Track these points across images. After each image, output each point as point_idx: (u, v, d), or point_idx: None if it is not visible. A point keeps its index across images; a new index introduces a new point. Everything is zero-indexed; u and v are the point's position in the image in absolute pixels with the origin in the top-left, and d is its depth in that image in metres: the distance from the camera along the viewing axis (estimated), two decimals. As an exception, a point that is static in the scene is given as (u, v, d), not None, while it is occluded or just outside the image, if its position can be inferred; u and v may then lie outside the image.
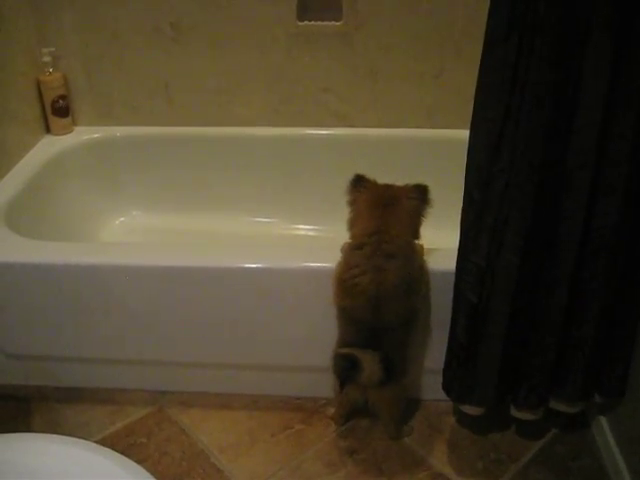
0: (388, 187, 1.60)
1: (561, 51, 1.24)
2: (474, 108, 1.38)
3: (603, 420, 1.69)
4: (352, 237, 1.57)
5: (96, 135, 2.27)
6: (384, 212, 1.55)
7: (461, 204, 2.32)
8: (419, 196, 1.59)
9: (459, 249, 1.49)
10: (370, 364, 1.48)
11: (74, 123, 2.28)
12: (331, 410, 1.81)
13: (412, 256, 1.56)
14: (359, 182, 1.62)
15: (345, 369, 1.50)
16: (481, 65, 1.33)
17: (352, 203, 1.61)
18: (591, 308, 1.44)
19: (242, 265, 1.67)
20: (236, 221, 2.36)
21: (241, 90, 2.22)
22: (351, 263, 1.53)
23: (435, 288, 1.64)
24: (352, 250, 1.55)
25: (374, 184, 1.62)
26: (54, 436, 1.21)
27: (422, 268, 1.60)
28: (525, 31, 1.24)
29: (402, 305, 1.52)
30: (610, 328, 1.48)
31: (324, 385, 1.83)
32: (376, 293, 1.48)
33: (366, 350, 1.49)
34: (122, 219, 2.36)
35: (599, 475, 1.64)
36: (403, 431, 1.75)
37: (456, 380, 1.58)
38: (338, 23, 2.09)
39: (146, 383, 1.90)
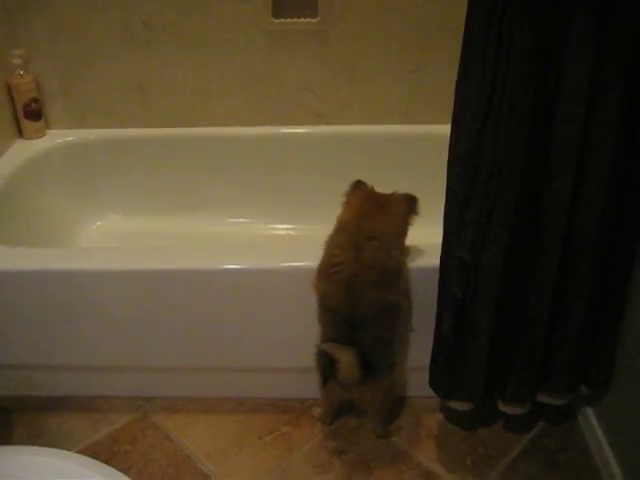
0: (382, 193, 1.62)
1: (542, 41, 1.23)
2: (455, 101, 1.37)
3: (590, 412, 1.70)
4: (337, 222, 1.58)
5: (70, 138, 2.23)
6: (372, 209, 1.57)
7: (441, 200, 2.33)
8: (409, 203, 1.61)
9: (443, 244, 1.48)
10: (347, 361, 1.47)
11: (47, 126, 2.23)
12: (318, 410, 1.79)
13: (392, 246, 1.55)
14: (356, 186, 1.64)
15: (326, 365, 1.51)
16: (461, 57, 1.32)
17: (345, 203, 1.62)
18: (577, 300, 1.44)
19: (223, 267, 1.65)
20: (214, 222, 2.34)
21: (218, 90, 2.19)
22: (333, 243, 1.55)
23: (419, 284, 1.63)
24: (336, 232, 1.57)
25: (370, 189, 1.63)
26: (35, 448, 1.18)
27: (401, 264, 1.58)
28: (505, 21, 1.23)
29: (376, 293, 1.50)
30: (595, 319, 1.49)
31: (310, 386, 1.81)
32: (352, 272, 1.48)
33: (343, 346, 1.48)
34: (99, 223, 2.32)
35: (588, 467, 1.64)
36: (390, 430, 1.74)
37: (443, 377, 1.57)
38: (314, 20, 2.07)
39: (129, 389, 1.87)
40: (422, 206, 2.30)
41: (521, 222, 1.37)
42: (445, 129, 2.17)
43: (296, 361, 1.76)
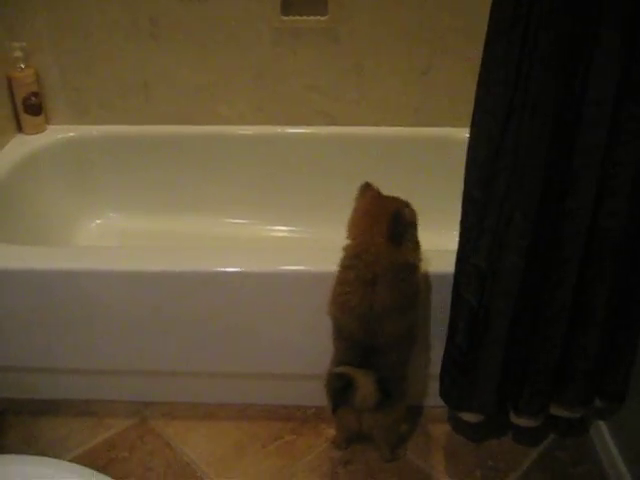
0: (386, 198, 1.53)
1: (568, 41, 1.19)
2: (475, 104, 1.33)
3: (602, 425, 1.65)
4: (344, 249, 1.48)
5: (71, 134, 2.16)
6: (374, 223, 1.46)
7: (450, 203, 2.28)
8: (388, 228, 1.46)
9: (458, 251, 1.44)
10: (365, 384, 1.40)
11: (47, 122, 2.17)
12: (331, 433, 1.72)
13: (403, 272, 1.44)
14: (364, 189, 1.55)
15: (338, 390, 1.42)
16: (483, 59, 1.28)
17: (354, 209, 1.54)
18: (596, 311, 1.40)
19: (226, 269, 1.60)
20: (214, 222, 2.29)
21: (223, 88, 2.13)
22: (342, 279, 1.46)
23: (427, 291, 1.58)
24: (343, 268, 1.47)
25: (375, 193, 1.54)
26: (26, 457, 1.13)
27: (417, 284, 1.50)
28: (530, 23, 1.19)
29: (396, 324, 1.44)
30: (616, 328, 1.44)
31: (313, 393, 1.76)
32: (367, 311, 1.41)
33: (361, 369, 1.41)
34: (98, 221, 2.26)
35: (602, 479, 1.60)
36: (398, 454, 1.67)
37: (455, 387, 1.53)
38: (323, 18, 2.02)
39: (127, 394, 1.81)
40: (430, 210, 2.28)
41: (541, 228, 1.33)
42: (455, 132, 2.18)
43: (299, 368, 1.72)
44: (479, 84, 1.30)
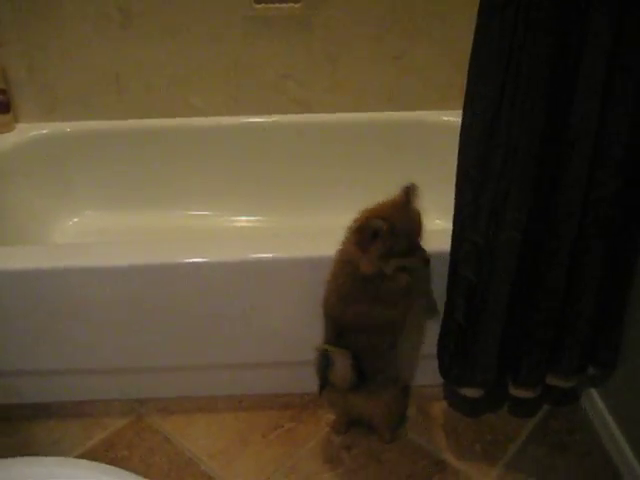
0: (379, 206, 1.50)
1: (559, 20, 1.21)
2: (468, 83, 1.33)
3: (593, 392, 1.71)
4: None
5: (42, 132, 2.10)
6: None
7: (424, 184, 2.31)
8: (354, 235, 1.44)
9: (454, 229, 1.46)
10: (341, 362, 1.45)
11: (16, 120, 2.11)
12: (330, 418, 1.73)
13: (366, 280, 1.42)
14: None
15: (321, 368, 1.48)
16: (475, 38, 1.29)
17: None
18: (589, 281, 1.44)
19: (215, 259, 1.59)
20: (193, 216, 2.28)
21: (197, 79, 2.11)
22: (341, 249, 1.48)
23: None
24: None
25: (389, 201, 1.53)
26: (38, 458, 1.10)
27: (388, 289, 1.45)
28: (521, 4, 1.21)
29: (359, 315, 1.46)
30: (605, 299, 1.49)
31: (310, 380, 1.77)
32: (341, 282, 1.46)
33: (339, 349, 1.46)
34: (75, 220, 2.21)
35: (596, 446, 1.65)
36: (397, 434, 1.68)
37: (455, 363, 1.55)
38: (296, 5, 2.01)
39: (121, 392, 1.78)
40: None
41: (537, 202, 1.36)
42: (430, 115, 2.21)
43: (295, 355, 1.71)
44: (471, 64, 1.31)
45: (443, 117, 2.19)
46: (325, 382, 1.51)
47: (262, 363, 1.76)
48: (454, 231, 1.46)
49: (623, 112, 1.27)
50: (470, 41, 2.04)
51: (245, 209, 2.31)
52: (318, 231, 2.10)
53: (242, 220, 2.31)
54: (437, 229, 1.56)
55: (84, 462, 1.11)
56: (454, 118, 2.16)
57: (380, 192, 2.26)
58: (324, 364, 1.47)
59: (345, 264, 1.44)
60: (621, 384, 1.60)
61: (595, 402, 1.69)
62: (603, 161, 1.32)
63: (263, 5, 2.00)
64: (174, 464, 1.61)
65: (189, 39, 2.04)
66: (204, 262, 1.58)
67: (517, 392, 1.60)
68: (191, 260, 1.58)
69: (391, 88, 2.17)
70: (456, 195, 1.43)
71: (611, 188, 1.34)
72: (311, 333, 1.61)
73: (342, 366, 1.45)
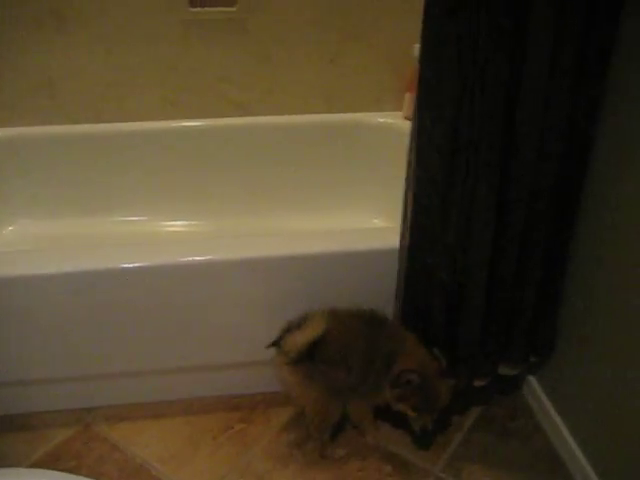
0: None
1: (507, 24, 1.25)
2: (422, 89, 1.35)
3: (532, 379, 1.78)
4: None
5: (-29, 139, 2.05)
6: None
7: (361, 185, 2.36)
8: None
9: (419, 234, 1.48)
10: (311, 329, 1.48)
11: (-59, 127, 2.05)
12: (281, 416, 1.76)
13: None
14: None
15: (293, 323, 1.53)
16: (427, 43, 1.30)
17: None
18: (532, 270, 1.51)
19: (157, 263, 1.58)
20: (130, 222, 2.26)
21: (133, 83, 2.09)
22: None
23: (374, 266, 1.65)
24: None
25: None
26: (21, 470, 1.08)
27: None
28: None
29: None
30: (544, 288, 1.56)
31: (259, 380, 1.79)
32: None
33: (318, 321, 1.49)
34: (10, 228, 2.16)
35: (537, 431, 1.72)
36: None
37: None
38: (232, 9, 2.02)
39: (65, 402, 1.75)
40: (347, 192, 2.35)
41: (498, 198, 1.41)
42: (366, 117, 2.25)
43: (242, 356, 1.73)
44: (423, 67, 1.33)
45: (379, 119, 2.24)
46: (280, 338, 1.53)
47: (210, 366, 1.76)
48: (422, 235, 1.48)
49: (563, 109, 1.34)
50: (403, 44, 2.12)
51: (182, 214, 2.30)
52: (255, 233, 2.11)
53: (178, 225, 2.30)
54: (377, 227, 1.62)
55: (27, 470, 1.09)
56: (390, 120, 2.23)
57: (318, 193, 2.31)
58: (296, 322, 1.51)
59: None
60: (557, 370, 1.68)
61: (534, 388, 1.77)
62: (545, 155, 1.39)
63: (198, 9, 2.01)
64: (124, 472, 1.60)
65: (124, 43, 2.02)
66: (142, 267, 1.57)
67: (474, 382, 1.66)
68: (129, 265, 1.56)
69: (328, 90, 2.21)
70: (419, 199, 1.45)
71: (551, 180, 1.42)
72: (257, 333, 1.64)
73: (307, 333, 1.48)
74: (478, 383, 1.66)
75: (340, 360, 1.50)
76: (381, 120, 2.23)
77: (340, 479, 1.59)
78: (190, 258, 1.59)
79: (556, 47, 1.26)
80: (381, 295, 1.61)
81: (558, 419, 1.67)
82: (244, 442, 1.68)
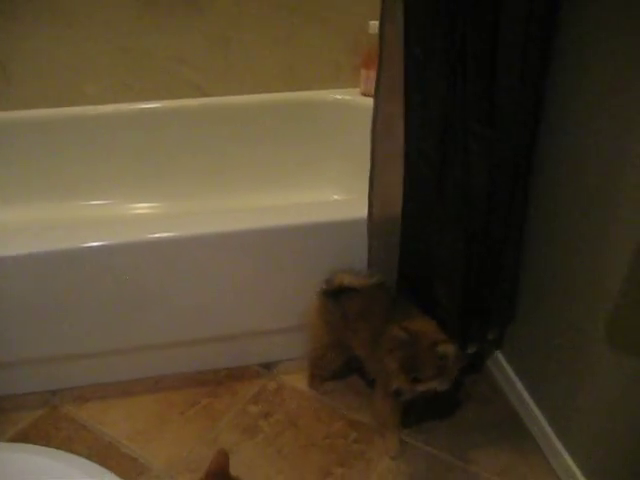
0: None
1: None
2: (410, 66, 1.37)
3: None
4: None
5: None
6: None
7: (321, 161, 2.39)
8: None
9: (412, 206, 1.53)
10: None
11: None
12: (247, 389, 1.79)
13: None
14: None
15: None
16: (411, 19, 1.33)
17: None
18: (493, 244, 1.56)
19: (120, 241, 1.59)
20: (85, 205, 2.26)
21: (89, 66, 2.09)
22: None
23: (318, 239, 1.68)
24: None
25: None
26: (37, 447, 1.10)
27: None
28: None
29: None
30: (502, 259, 1.61)
31: (224, 355, 1.82)
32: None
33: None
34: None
35: (497, 393, 1.78)
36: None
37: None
38: (185, -11, 2.03)
39: (31, 385, 1.76)
40: (306, 168, 2.38)
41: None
42: (323, 94, 2.28)
43: (207, 331, 1.75)
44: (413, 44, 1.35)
45: (336, 96, 2.26)
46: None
47: (175, 342, 1.77)
48: (415, 209, 1.52)
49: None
50: (359, 21, 2.14)
51: (147, 196, 2.31)
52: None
53: (144, 207, 2.30)
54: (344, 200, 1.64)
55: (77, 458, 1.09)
56: (347, 96, 2.25)
57: (277, 171, 2.34)
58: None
59: None
60: (515, 336, 1.74)
61: (494, 354, 1.82)
62: (521, 122, 1.43)
63: (152, -11, 2.01)
64: (94, 450, 1.61)
65: (77, 26, 2.01)
66: (105, 245, 1.58)
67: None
68: (92, 244, 1.57)
69: (285, 69, 2.23)
70: (410, 174, 1.48)
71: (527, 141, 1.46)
72: (223, 308, 1.66)
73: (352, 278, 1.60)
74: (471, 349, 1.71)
75: (353, 320, 1.60)
76: (338, 97, 2.25)
77: (306, 446, 1.62)
78: (153, 235, 1.60)
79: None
80: (352, 265, 1.65)
81: (517, 382, 1.72)
82: (211, 416, 1.71)
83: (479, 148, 1.41)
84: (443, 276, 1.58)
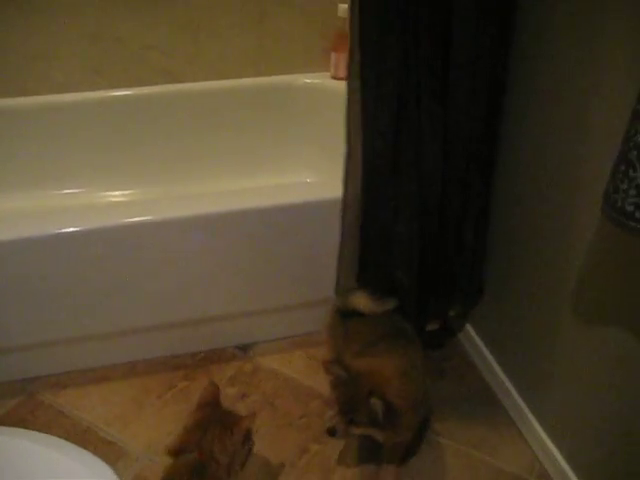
0: None
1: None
2: (364, 45, 1.39)
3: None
4: None
5: None
6: None
7: (293, 145, 2.39)
8: None
9: (372, 185, 1.53)
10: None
11: None
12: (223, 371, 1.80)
13: None
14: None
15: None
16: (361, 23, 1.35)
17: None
18: (451, 220, 1.58)
19: (90, 227, 1.59)
20: (55, 194, 2.24)
21: (57, 54, 2.07)
22: None
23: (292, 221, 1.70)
24: None
25: None
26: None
27: None
28: None
29: None
30: (465, 235, 1.64)
31: (200, 338, 1.83)
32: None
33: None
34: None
35: (470, 368, 1.82)
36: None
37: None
38: (152, -26, 2.02)
39: (6, 374, 1.75)
40: (276, 152, 2.38)
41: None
42: (293, 79, 2.28)
43: (181, 314, 1.77)
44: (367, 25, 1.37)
45: (307, 80, 2.27)
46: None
47: (151, 326, 1.78)
48: (374, 187, 1.53)
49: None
50: (328, 5, 2.16)
51: (119, 184, 2.30)
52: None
53: (117, 195, 2.30)
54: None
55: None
56: (318, 80, 2.27)
57: (250, 156, 2.34)
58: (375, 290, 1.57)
59: None
60: (486, 311, 1.77)
61: (466, 329, 1.86)
62: (476, 100, 1.45)
63: (119, -24, 2.00)
64: (72, 435, 1.62)
65: (47, 13, 1.99)
66: (78, 231, 1.58)
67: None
68: (65, 230, 1.57)
69: (255, 54, 2.23)
70: (367, 151, 1.50)
71: (480, 124, 1.48)
72: (197, 291, 1.68)
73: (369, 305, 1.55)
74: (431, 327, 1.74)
75: (348, 341, 1.54)
76: (309, 81, 2.26)
77: (283, 425, 1.65)
78: (127, 220, 1.61)
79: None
80: (327, 246, 1.67)
81: (489, 356, 1.76)
82: (188, 399, 1.72)
83: (432, 125, 1.43)
84: (400, 254, 1.59)
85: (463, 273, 1.66)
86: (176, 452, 1.26)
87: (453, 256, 1.63)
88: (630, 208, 0.94)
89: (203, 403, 1.34)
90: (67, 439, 1.56)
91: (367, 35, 1.36)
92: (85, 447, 1.52)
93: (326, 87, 2.22)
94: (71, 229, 1.57)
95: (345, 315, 1.58)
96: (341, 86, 1.51)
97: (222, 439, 1.27)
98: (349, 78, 1.45)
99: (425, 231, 1.56)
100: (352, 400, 1.33)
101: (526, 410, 1.60)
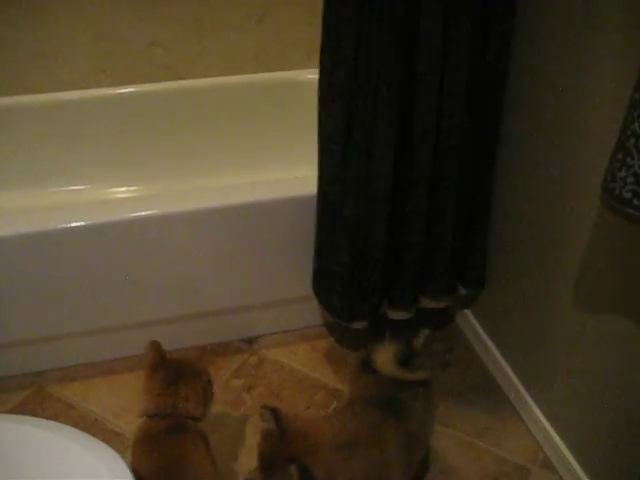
0: None
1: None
2: (323, 32, 1.41)
3: (467, 312, 1.89)
4: None
5: None
6: None
7: (293, 139, 2.41)
8: None
9: (326, 176, 1.56)
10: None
11: None
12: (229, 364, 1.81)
13: None
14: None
15: None
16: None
17: None
18: (448, 205, 1.58)
19: (95, 222, 1.61)
20: (61, 190, 2.27)
21: (62, 51, 2.09)
22: None
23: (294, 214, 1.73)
24: None
25: None
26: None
27: None
28: None
29: None
30: (467, 222, 1.65)
31: (209, 331, 1.85)
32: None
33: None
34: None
35: (474, 359, 1.84)
36: None
37: (344, 301, 1.65)
38: (155, -29, 2.04)
39: (15, 367, 1.78)
40: (278, 146, 2.39)
41: (399, 136, 1.48)
42: (294, 75, 2.30)
43: (188, 308, 1.79)
44: (326, 12, 1.39)
45: (309, 75, 2.28)
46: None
47: (158, 320, 1.80)
48: (329, 177, 1.55)
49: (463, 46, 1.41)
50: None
51: (123, 180, 2.32)
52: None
53: (121, 191, 2.32)
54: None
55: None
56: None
57: (253, 152, 2.36)
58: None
59: None
60: (490, 302, 1.79)
61: (469, 321, 1.87)
62: (449, 93, 1.46)
63: (122, -27, 2.02)
64: (80, 426, 1.63)
65: (50, 11, 2.01)
66: (86, 225, 1.60)
67: (395, 315, 1.74)
68: (73, 224, 1.59)
69: (258, 50, 2.25)
70: (325, 142, 1.53)
71: (458, 118, 1.49)
72: (204, 285, 1.70)
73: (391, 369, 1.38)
74: (402, 315, 1.74)
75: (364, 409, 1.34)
76: (312, 77, 2.27)
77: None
78: (134, 214, 1.63)
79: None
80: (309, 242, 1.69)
81: (493, 348, 1.77)
82: (195, 391, 1.74)
83: (388, 114, 1.44)
84: (344, 236, 1.59)
85: (448, 263, 1.67)
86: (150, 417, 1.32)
87: (433, 245, 1.64)
88: (628, 195, 0.96)
89: (154, 364, 1.36)
90: (76, 430, 1.62)
91: (327, 20, 1.39)
92: (94, 438, 1.58)
93: (329, 82, 2.23)
94: (77, 224, 1.59)
95: (363, 364, 1.43)
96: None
97: (195, 394, 1.35)
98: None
99: (379, 217, 1.55)
100: (272, 457, 1.21)
101: (529, 400, 1.62)
